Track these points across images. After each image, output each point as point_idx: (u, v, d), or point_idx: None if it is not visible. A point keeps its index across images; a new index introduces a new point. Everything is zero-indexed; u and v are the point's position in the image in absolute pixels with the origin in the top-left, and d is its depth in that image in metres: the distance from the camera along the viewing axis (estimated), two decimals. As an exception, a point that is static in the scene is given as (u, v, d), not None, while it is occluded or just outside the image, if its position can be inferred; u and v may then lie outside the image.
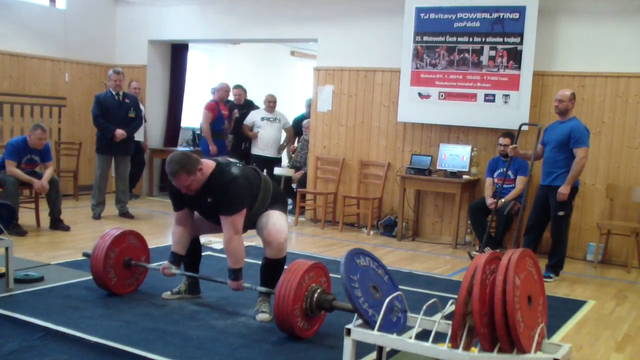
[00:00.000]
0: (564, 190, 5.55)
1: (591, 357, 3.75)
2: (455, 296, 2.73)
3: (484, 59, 6.89)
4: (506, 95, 6.82)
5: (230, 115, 8.18)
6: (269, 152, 8.50)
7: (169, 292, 4.33)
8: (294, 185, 8.62)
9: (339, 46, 7.96)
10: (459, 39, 7.01)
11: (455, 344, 2.67)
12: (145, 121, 8.78)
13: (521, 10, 6.65)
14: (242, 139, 8.74)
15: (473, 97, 6.98)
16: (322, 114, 8.10)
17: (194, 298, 4.35)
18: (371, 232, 7.49)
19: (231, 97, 8.64)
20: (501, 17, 6.77)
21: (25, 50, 8.51)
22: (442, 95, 7.16)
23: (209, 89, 9.39)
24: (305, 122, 8.69)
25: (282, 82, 11.93)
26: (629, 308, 4.91)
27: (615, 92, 6.50)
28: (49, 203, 6.57)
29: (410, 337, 2.82)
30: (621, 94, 6.48)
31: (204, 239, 5.28)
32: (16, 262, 4.53)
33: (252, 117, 8.53)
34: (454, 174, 7.02)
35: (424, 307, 2.94)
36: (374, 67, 7.73)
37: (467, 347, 2.67)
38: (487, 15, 6.84)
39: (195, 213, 4.18)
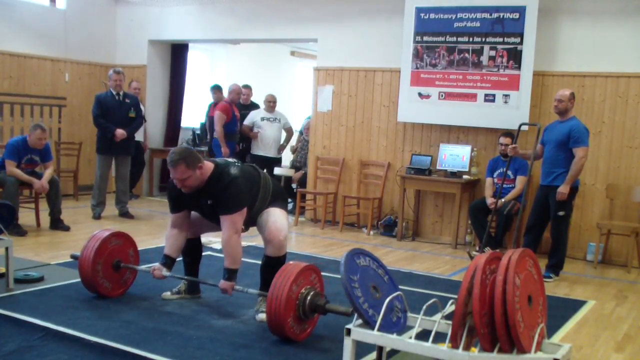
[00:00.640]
0: (563, 190, 5.55)
1: (591, 357, 3.75)
2: (455, 296, 2.73)
3: (484, 59, 6.89)
4: (506, 95, 6.82)
5: (240, 117, 8.11)
6: (269, 152, 8.49)
7: (169, 292, 4.33)
8: (294, 185, 8.63)
9: (339, 46, 7.96)
10: (459, 39, 7.01)
11: (455, 344, 2.67)
12: (145, 121, 8.78)
13: (521, 10, 6.65)
14: (241, 139, 8.72)
15: (473, 97, 6.98)
16: (322, 114, 8.10)
17: (194, 298, 4.34)
18: (371, 232, 7.49)
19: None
20: (501, 17, 6.77)
21: (25, 50, 8.52)
22: (442, 95, 7.16)
23: (208, 89, 9.41)
24: (305, 122, 8.69)
25: (282, 82, 11.93)
26: (629, 308, 4.91)
27: (615, 92, 6.50)
28: (49, 203, 6.57)
29: (410, 337, 2.83)
30: (621, 94, 6.48)
31: (204, 239, 5.27)
32: (16, 262, 4.53)
33: (252, 117, 8.52)
34: (454, 174, 7.02)
35: (424, 307, 2.94)
36: (374, 67, 7.73)
37: (467, 347, 2.67)
38: (487, 15, 6.84)
39: (196, 213, 4.17)
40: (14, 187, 6.21)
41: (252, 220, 4.04)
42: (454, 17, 7.01)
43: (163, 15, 9.27)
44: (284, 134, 9.00)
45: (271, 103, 8.64)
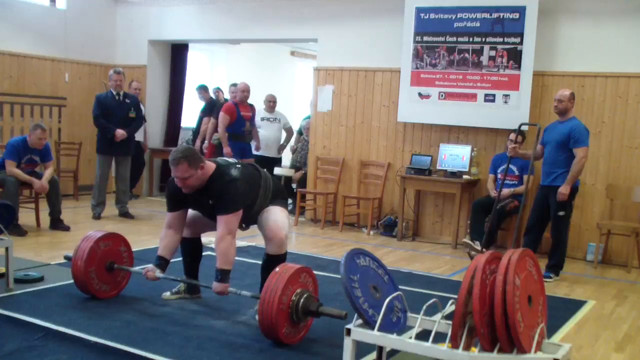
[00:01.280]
0: (564, 190, 5.55)
1: (591, 357, 3.75)
2: (455, 296, 2.73)
3: (484, 59, 6.89)
4: (506, 95, 6.82)
5: (253, 115, 7.91)
6: (269, 152, 8.49)
7: (168, 292, 4.33)
8: (294, 185, 8.62)
9: (339, 46, 7.96)
10: (459, 39, 7.01)
11: (455, 344, 2.67)
12: (145, 121, 8.78)
13: (521, 10, 6.65)
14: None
15: (473, 97, 6.98)
16: (322, 114, 8.10)
17: (193, 298, 4.34)
18: (371, 232, 7.49)
19: (228, 96, 8.63)
20: (501, 17, 6.77)
21: (25, 50, 8.52)
22: (442, 95, 7.16)
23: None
24: (305, 122, 8.69)
25: (282, 82, 11.93)
26: (629, 308, 4.91)
27: (615, 92, 6.50)
28: (49, 203, 6.57)
29: (410, 337, 2.83)
30: (621, 94, 6.48)
31: (205, 238, 5.27)
32: (16, 262, 4.53)
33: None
34: (454, 174, 7.02)
35: (424, 307, 2.94)
36: (374, 67, 7.73)
37: (467, 347, 2.67)
38: (487, 15, 6.84)
39: (196, 212, 4.18)
40: (14, 187, 6.21)
41: (252, 219, 4.05)
42: (454, 17, 7.01)
43: (163, 15, 9.27)
44: (284, 134, 9.01)
45: (271, 103, 8.64)
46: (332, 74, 8.01)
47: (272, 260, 3.94)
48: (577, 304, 4.88)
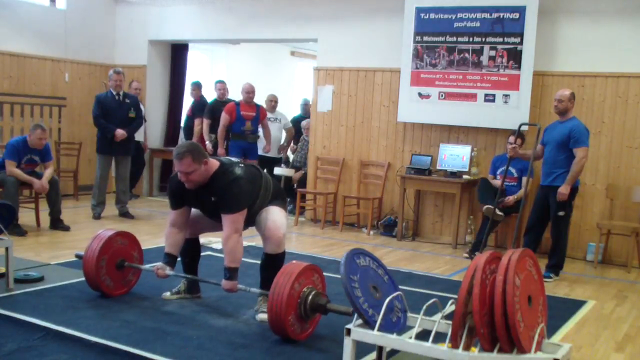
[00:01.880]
0: (563, 190, 5.54)
1: (591, 357, 3.75)
2: (455, 296, 2.73)
3: (484, 59, 6.89)
4: (506, 95, 6.82)
5: (258, 116, 7.79)
6: (269, 152, 8.48)
7: (168, 292, 4.33)
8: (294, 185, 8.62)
9: (339, 46, 7.96)
10: (459, 39, 7.01)
11: (455, 344, 2.67)
12: (145, 121, 8.78)
13: (521, 10, 6.65)
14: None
15: (473, 97, 6.98)
16: (322, 114, 8.10)
17: (194, 298, 4.35)
18: (371, 232, 7.50)
19: (231, 97, 8.62)
20: (501, 17, 6.77)
21: (25, 50, 8.52)
22: (442, 95, 7.16)
23: (208, 88, 9.41)
24: (304, 122, 8.69)
25: (282, 82, 11.93)
26: (629, 308, 4.92)
27: (615, 92, 6.50)
28: (49, 203, 6.57)
29: (410, 337, 2.83)
30: (621, 94, 6.48)
31: (203, 239, 5.27)
32: (16, 262, 4.53)
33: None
34: (454, 174, 7.02)
35: (424, 307, 2.95)
36: (374, 67, 7.73)
37: (467, 347, 2.68)
38: (487, 15, 6.84)
39: (196, 212, 4.19)
40: (14, 187, 6.21)
41: (251, 219, 4.05)
42: (454, 17, 7.01)
43: (163, 15, 9.27)
44: (284, 134, 9.01)
45: (272, 102, 8.64)
46: (332, 74, 8.01)
47: (270, 260, 3.97)
48: (577, 304, 4.89)
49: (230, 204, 3.83)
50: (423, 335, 2.84)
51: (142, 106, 8.25)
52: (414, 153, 7.39)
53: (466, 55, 6.99)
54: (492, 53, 6.85)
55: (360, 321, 2.95)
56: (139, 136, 8.39)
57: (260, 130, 7.90)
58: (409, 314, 3.18)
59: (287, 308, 3.45)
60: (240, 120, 7.60)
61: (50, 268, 4.98)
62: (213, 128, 8.06)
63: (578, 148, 5.53)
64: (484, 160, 7.06)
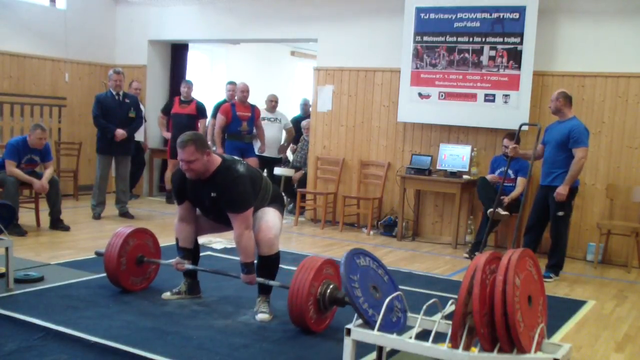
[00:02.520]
0: (562, 190, 5.54)
1: (591, 357, 3.75)
2: (455, 296, 2.73)
3: (484, 59, 6.89)
4: (506, 95, 6.82)
5: (253, 116, 7.77)
6: (269, 152, 8.48)
7: (169, 293, 4.34)
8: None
9: (339, 46, 7.96)
10: (459, 39, 7.01)
11: (455, 344, 2.67)
12: (145, 121, 8.77)
13: (521, 10, 6.65)
14: None
15: (473, 97, 6.98)
16: (322, 114, 8.10)
17: (194, 298, 4.35)
18: (371, 232, 7.49)
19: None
20: (501, 17, 6.77)
21: (25, 50, 8.52)
22: (442, 95, 7.16)
23: (207, 88, 9.41)
24: (305, 122, 8.69)
25: (282, 82, 11.93)
26: (629, 308, 4.91)
27: (615, 92, 6.50)
28: (49, 203, 6.56)
29: (410, 337, 2.83)
30: (621, 94, 6.48)
31: (203, 239, 5.28)
32: (16, 262, 4.53)
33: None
34: (454, 174, 7.02)
35: (424, 307, 2.94)
36: (374, 67, 7.73)
37: (467, 347, 2.67)
38: (487, 15, 6.84)
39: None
40: (14, 187, 6.21)
41: None
42: (454, 17, 7.01)
43: (163, 15, 9.27)
44: (284, 134, 9.01)
45: (273, 102, 8.64)
46: (332, 74, 8.01)
47: (264, 261, 4.04)
48: (577, 304, 4.88)
49: (237, 204, 3.86)
50: (423, 335, 2.83)
51: (142, 106, 8.24)
52: (414, 153, 7.39)
53: (466, 55, 6.99)
54: (492, 53, 6.85)
55: (360, 321, 2.95)
56: (139, 136, 8.39)
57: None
58: (409, 314, 3.18)
59: (307, 301, 3.60)
60: (236, 121, 7.62)
61: (50, 268, 4.98)
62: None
63: (577, 148, 5.53)
64: (484, 160, 7.06)
